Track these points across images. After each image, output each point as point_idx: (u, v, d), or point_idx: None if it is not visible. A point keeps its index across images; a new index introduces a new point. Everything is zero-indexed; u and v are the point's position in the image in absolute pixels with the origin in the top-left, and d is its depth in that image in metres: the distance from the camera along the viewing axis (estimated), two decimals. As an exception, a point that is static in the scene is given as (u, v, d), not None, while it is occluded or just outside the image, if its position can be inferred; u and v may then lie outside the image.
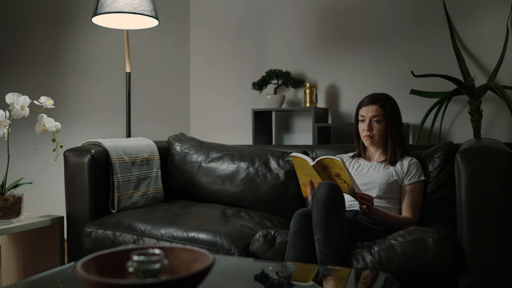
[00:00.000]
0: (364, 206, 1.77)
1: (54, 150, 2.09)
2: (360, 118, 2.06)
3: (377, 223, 1.86)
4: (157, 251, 0.97)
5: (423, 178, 1.98)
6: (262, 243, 1.77)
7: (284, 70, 3.41)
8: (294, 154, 1.87)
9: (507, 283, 1.58)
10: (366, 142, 2.06)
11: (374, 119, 2.01)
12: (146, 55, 3.66)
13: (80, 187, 2.17)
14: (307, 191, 1.88)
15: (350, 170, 2.06)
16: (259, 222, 2.11)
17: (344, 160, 2.14)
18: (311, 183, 1.83)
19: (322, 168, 1.77)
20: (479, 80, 3.00)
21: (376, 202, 1.94)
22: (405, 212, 1.93)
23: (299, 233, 1.67)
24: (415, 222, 1.91)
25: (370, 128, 2.02)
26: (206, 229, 1.91)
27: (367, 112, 2.02)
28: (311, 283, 1.36)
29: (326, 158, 1.74)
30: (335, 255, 1.59)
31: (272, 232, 1.78)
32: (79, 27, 3.24)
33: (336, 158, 1.72)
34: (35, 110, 2.07)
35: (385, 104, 2.01)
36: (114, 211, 2.22)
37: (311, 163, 1.77)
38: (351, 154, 2.18)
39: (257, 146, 2.65)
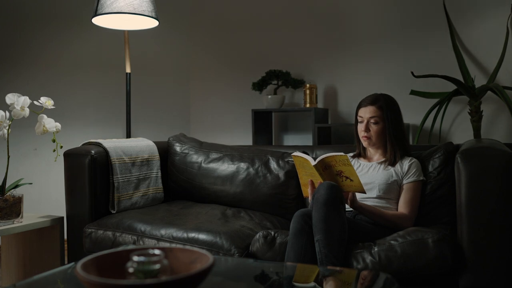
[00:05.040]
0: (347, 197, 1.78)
1: (54, 150, 2.09)
2: (358, 119, 2.06)
3: (371, 218, 1.86)
4: (157, 251, 0.97)
5: (422, 178, 1.97)
6: (262, 244, 1.77)
7: (284, 71, 3.41)
8: (295, 153, 1.87)
9: (507, 283, 1.58)
10: (364, 143, 2.06)
11: (372, 121, 2.01)
12: (146, 55, 3.66)
13: (80, 187, 2.17)
14: (307, 191, 1.87)
15: None
16: (259, 223, 2.11)
17: None
18: (312, 183, 1.83)
19: (323, 167, 1.77)
20: (479, 80, 3.00)
21: (376, 202, 1.94)
22: (401, 208, 1.93)
23: (299, 233, 1.67)
24: (411, 219, 1.91)
25: (367, 129, 2.02)
26: (206, 229, 1.92)
27: (365, 113, 2.03)
28: (312, 284, 1.36)
29: (328, 156, 1.74)
30: (335, 256, 1.59)
31: (272, 233, 1.78)
32: (79, 28, 3.24)
33: (339, 153, 1.71)
34: (35, 110, 2.07)
35: (383, 105, 2.01)
36: (114, 212, 2.22)
37: (313, 162, 1.77)
38: (351, 154, 2.18)
39: (257, 147, 2.65)
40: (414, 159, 2.02)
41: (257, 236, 1.80)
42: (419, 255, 1.60)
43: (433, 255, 1.58)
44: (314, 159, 1.80)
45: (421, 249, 1.60)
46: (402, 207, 1.93)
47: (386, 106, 2.01)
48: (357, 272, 1.51)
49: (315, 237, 1.63)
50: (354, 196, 1.80)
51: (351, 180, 1.76)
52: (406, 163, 2.00)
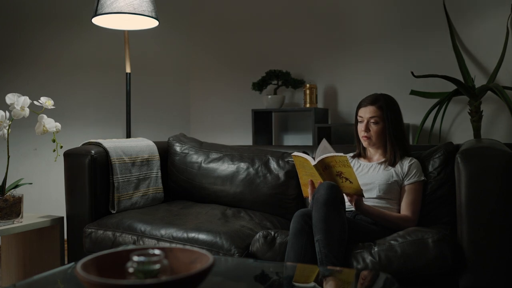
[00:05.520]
0: (353, 203, 1.78)
1: (54, 150, 2.09)
2: (358, 119, 2.07)
3: (375, 220, 1.86)
4: (157, 251, 0.97)
5: (423, 178, 1.98)
6: (262, 244, 1.77)
7: (284, 71, 3.41)
8: (295, 153, 1.87)
9: (507, 283, 1.58)
10: (364, 143, 2.06)
11: (372, 120, 2.01)
12: (146, 55, 3.66)
13: (80, 187, 2.17)
14: (307, 191, 1.87)
15: None
16: (259, 223, 2.11)
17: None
18: (312, 183, 1.83)
19: (323, 167, 1.77)
20: (479, 80, 3.00)
21: (376, 203, 1.94)
22: (404, 211, 1.93)
23: (299, 233, 1.67)
24: (414, 221, 1.91)
25: (367, 129, 2.02)
26: (206, 229, 1.92)
27: (365, 113, 2.03)
28: (312, 284, 1.36)
29: (328, 156, 1.73)
30: (335, 256, 1.59)
31: (272, 233, 1.78)
32: (79, 28, 3.24)
33: (339, 154, 1.71)
34: (35, 110, 2.07)
35: (383, 105, 2.01)
36: (114, 212, 2.22)
37: (313, 162, 1.77)
38: (351, 154, 2.18)
39: (257, 147, 2.65)
40: (414, 160, 2.02)
41: (257, 236, 1.80)
42: (419, 255, 1.60)
43: (433, 255, 1.58)
44: (314, 159, 1.80)
45: (421, 249, 1.60)
46: (405, 209, 1.93)
47: (386, 106, 2.01)
48: (357, 272, 1.51)
49: (315, 237, 1.63)
50: (359, 199, 1.80)
51: (350, 182, 1.76)
52: (406, 163, 2.00)
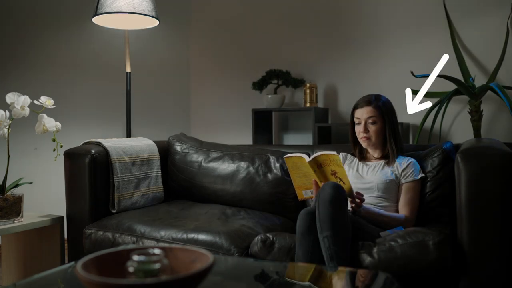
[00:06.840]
0: (353, 204, 1.79)
1: (54, 150, 2.09)
2: (355, 120, 2.06)
3: (372, 222, 1.86)
4: (157, 251, 0.97)
5: (420, 176, 1.98)
6: (260, 248, 1.76)
7: (284, 70, 3.41)
8: (288, 155, 1.88)
9: (507, 283, 1.58)
10: (364, 144, 2.06)
11: (370, 121, 2.01)
12: (146, 55, 3.66)
13: (80, 187, 2.17)
14: (302, 194, 1.88)
15: (348, 170, 2.06)
16: (259, 222, 2.10)
17: (346, 158, 2.14)
18: (316, 183, 1.83)
19: (317, 165, 1.78)
20: (479, 80, 3.00)
21: (375, 202, 1.94)
22: (402, 210, 1.94)
23: (308, 231, 1.67)
24: (412, 220, 1.92)
25: (366, 130, 2.02)
26: (206, 229, 1.91)
27: (362, 114, 2.03)
28: (307, 283, 1.37)
29: (322, 154, 1.74)
30: (345, 252, 1.60)
31: (271, 237, 1.77)
32: (79, 27, 3.24)
33: (333, 152, 1.72)
34: (35, 110, 2.07)
35: (379, 105, 2.01)
36: (114, 211, 2.22)
37: (307, 159, 1.78)
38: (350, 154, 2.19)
39: (257, 146, 2.65)
40: (411, 159, 2.02)
41: (256, 240, 1.80)
42: (419, 258, 1.59)
43: (433, 258, 1.58)
44: (309, 156, 1.81)
45: (421, 252, 1.60)
46: (402, 209, 1.93)
47: (382, 105, 2.02)
48: (357, 272, 1.51)
49: (322, 234, 1.62)
50: (358, 205, 1.80)
51: (343, 182, 1.76)
52: (403, 162, 2.00)
